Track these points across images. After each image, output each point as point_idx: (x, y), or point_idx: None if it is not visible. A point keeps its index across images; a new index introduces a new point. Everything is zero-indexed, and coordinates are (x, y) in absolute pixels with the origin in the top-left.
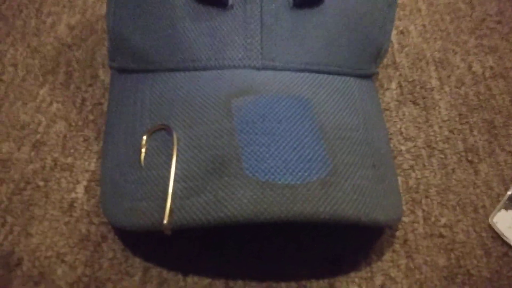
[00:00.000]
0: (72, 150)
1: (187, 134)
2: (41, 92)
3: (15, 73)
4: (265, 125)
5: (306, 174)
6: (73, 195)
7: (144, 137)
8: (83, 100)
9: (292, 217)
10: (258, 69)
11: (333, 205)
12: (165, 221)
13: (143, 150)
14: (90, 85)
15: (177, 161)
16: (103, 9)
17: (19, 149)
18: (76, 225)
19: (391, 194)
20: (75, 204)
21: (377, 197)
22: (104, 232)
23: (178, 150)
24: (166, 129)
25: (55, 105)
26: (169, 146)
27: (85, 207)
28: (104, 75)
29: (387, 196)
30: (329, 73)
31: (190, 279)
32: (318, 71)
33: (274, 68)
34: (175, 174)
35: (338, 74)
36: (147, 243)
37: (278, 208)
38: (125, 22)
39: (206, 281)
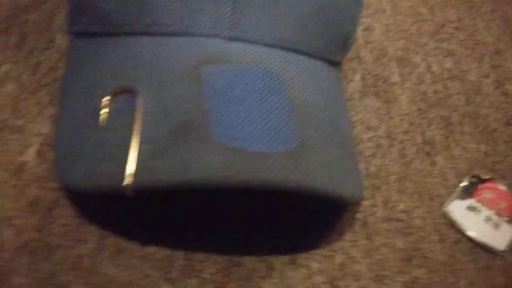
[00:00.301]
0: (23, 112)
1: (153, 97)
2: None
3: None
4: (235, 94)
5: (275, 143)
6: (22, 158)
7: (106, 98)
8: (38, 63)
9: (261, 183)
10: (229, 39)
11: (301, 175)
12: (126, 182)
13: (104, 110)
14: (46, 48)
15: (141, 123)
16: None
17: None
18: (25, 189)
19: (354, 175)
20: (25, 168)
21: (343, 174)
22: (56, 197)
23: (143, 113)
24: (130, 91)
25: (7, 65)
26: (132, 108)
27: (36, 171)
28: (61, 40)
29: (350, 175)
30: (299, 52)
31: (148, 249)
32: (288, 49)
33: (246, 40)
34: (140, 137)
35: (307, 55)
36: (103, 210)
37: (247, 174)
38: None
39: (165, 251)
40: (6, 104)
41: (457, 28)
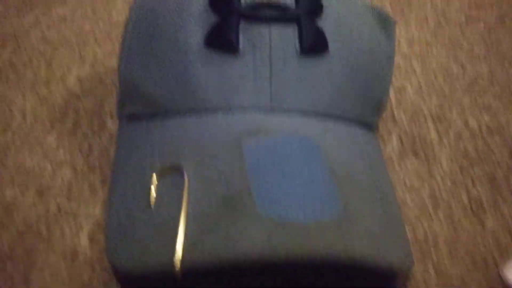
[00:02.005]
0: (77, 196)
1: (198, 174)
2: (48, 139)
3: (23, 120)
4: (277, 165)
5: (318, 213)
6: (76, 241)
7: (154, 176)
8: (90, 146)
9: (306, 255)
10: (267, 112)
11: (347, 245)
12: (175, 263)
13: (153, 188)
14: (97, 132)
15: (188, 200)
16: (112, 62)
17: (23, 194)
18: (78, 272)
19: (402, 241)
20: (78, 250)
21: (389, 241)
22: (106, 279)
23: (189, 190)
24: (176, 169)
25: (61, 151)
26: (179, 186)
27: (88, 254)
28: (112, 125)
29: (398, 242)
30: (335, 119)
31: None
32: (324, 116)
33: (283, 111)
34: (186, 213)
35: (344, 120)
36: None
37: (292, 246)
38: (137, 68)
39: None
40: (61, 188)
41: (490, 82)
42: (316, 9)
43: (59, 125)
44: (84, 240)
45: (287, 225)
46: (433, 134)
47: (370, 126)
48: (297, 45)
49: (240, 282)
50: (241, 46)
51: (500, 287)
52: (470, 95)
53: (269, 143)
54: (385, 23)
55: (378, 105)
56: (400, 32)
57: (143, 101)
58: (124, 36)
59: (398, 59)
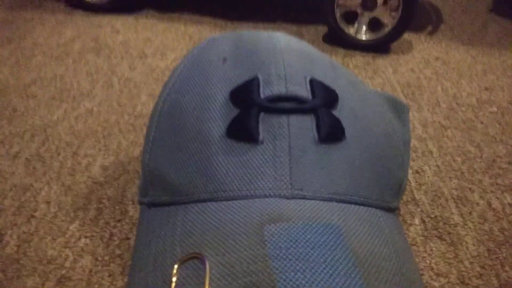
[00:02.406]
0: (96, 285)
1: (220, 261)
2: (71, 227)
3: (47, 209)
4: (299, 251)
5: None
6: None
7: (175, 266)
8: (111, 235)
9: None
10: (288, 198)
11: None
12: None
13: (174, 279)
14: (119, 220)
15: None
16: (135, 152)
17: (43, 284)
18: None
19: None
20: None
21: None
22: None
23: (211, 278)
24: (198, 257)
25: (83, 240)
26: (201, 274)
27: None
28: (133, 211)
29: None
30: (355, 203)
31: None
32: (345, 201)
33: (303, 197)
34: None
35: (364, 205)
36: None
37: None
38: (161, 158)
39: None
40: (81, 278)
41: (509, 162)
42: (332, 100)
43: (82, 214)
44: None
45: None
46: (456, 217)
47: (391, 209)
48: (315, 134)
49: None
50: (261, 136)
51: None
52: (490, 176)
53: (291, 229)
54: (398, 109)
55: (397, 189)
56: (413, 115)
57: (165, 189)
58: (150, 127)
59: (414, 141)
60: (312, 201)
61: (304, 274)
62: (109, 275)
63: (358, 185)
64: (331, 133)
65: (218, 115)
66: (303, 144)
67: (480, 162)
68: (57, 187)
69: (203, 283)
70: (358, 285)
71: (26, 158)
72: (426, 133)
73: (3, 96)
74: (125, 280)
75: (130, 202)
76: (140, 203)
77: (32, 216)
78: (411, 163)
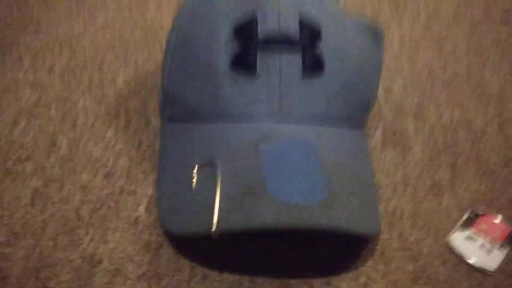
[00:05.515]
0: (134, 179)
1: (227, 168)
2: (108, 134)
3: (86, 118)
4: (283, 161)
5: (312, 196)
6: (136, 213)
7: (196, 168)
8: (140, 141)
9: (302, 226)
10: (277, 121)
11: (330, 219)
12: (214, 229)
13: (194, 178)
14: (144, 130)
15: (220, 187)
16: (150, 66)
17: (94, 178)
18: (140, 235)
19: (374, 215)
20: (138, 220)
21: (364, 216)
22: (160, 241)
23: (221, 180)
24: (212, 164)
25: (118, 145)
26: (214, 176)
27: (146, 222)
28: (155, 122)
29: (370, 216)
30: (328, 124)
31: (225, 275)
32: (320, 123)
33: (288, 122)
34: (219, 196)
35: (336, 125)
36: (194, 249)
37: (292, 221)
38: (178, 81)
39: (236, 277)
40: (121, 174)
41: (466, 81)
42: (316, 36)
43: (115, 122)
44: (142, 212)
45: (290, 206)
46: (411, 129)
47: (359, 123)
48: (301, 69)
49: (255, 242)
50: (258, 70)
51: (446, 250)
52: (447, 93)
53: (278, 145)
54: (375, 35)
55: (366, 108)
56: (393, 34)
57: (181, 107)
58: (166, 54)
59: (389, 60)
60: (295, 125)
61: (286, 177)
62: (143, 172)
63: (332, 110)
64: (313, 69)
65: (223, 48)
66: (290, 78)
67: (442, 79)
68: (90, 100)
69: (216, 183)
70: (323, 185)
71: (59, 72)
72: (401, 51)
73: (24, 8)
74: (155, 176)
75: (152, 114)
76: (161, 116)
77: (76, 124)
78: (383, 81)
